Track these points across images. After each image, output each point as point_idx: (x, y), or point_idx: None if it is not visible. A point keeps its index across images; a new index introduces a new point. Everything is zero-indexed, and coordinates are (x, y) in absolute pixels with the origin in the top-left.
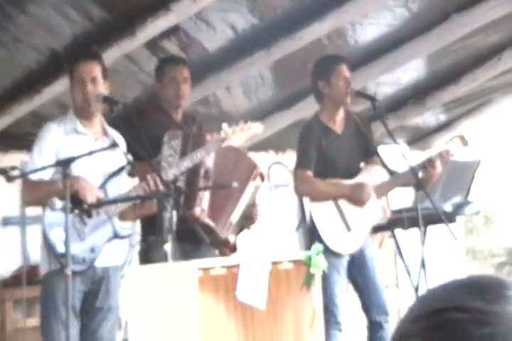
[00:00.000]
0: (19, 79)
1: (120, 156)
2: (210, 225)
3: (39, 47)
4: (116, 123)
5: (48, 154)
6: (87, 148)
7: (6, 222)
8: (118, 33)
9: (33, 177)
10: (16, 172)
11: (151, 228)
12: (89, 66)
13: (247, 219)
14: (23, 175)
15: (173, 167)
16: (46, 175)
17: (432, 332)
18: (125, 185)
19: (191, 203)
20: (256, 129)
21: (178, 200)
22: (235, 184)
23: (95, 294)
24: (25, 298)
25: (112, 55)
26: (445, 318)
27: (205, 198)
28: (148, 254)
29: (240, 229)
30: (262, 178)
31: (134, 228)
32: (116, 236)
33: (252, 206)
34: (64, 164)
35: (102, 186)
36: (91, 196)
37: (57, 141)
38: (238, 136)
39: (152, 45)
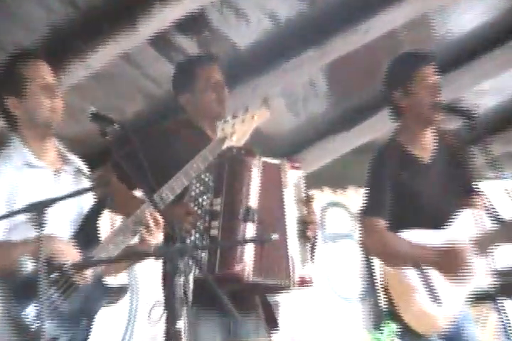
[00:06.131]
0: None
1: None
2: (262, 283)
3: (4, 44)
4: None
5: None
6: (47, 186)
7: None
8: (112, 25)
9: None
10: None
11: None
12: (44, 68)
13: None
14: None
15: (165, 189)
16: None
17: None
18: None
19: (229, 259)
20: (262, 117)
21: (198, 258)
22: (275, 236)
23: None
24: None
25: (105, 54)
26: None
27: (247, 249)
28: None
29: (312, 248)
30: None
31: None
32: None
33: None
34: (38, 209)
35: (75, 237)
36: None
37: (7, 182)
38: (241, 130)
39: (160, 41)
